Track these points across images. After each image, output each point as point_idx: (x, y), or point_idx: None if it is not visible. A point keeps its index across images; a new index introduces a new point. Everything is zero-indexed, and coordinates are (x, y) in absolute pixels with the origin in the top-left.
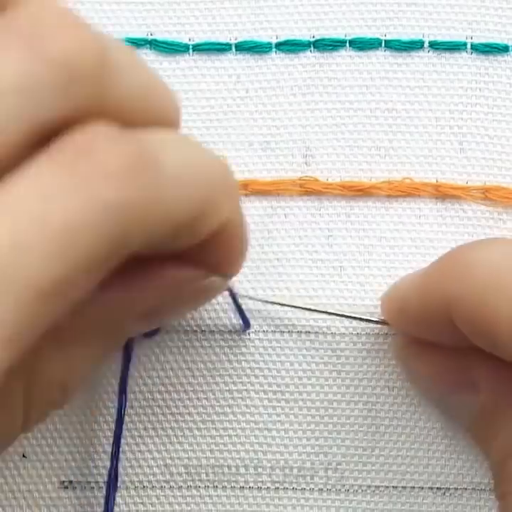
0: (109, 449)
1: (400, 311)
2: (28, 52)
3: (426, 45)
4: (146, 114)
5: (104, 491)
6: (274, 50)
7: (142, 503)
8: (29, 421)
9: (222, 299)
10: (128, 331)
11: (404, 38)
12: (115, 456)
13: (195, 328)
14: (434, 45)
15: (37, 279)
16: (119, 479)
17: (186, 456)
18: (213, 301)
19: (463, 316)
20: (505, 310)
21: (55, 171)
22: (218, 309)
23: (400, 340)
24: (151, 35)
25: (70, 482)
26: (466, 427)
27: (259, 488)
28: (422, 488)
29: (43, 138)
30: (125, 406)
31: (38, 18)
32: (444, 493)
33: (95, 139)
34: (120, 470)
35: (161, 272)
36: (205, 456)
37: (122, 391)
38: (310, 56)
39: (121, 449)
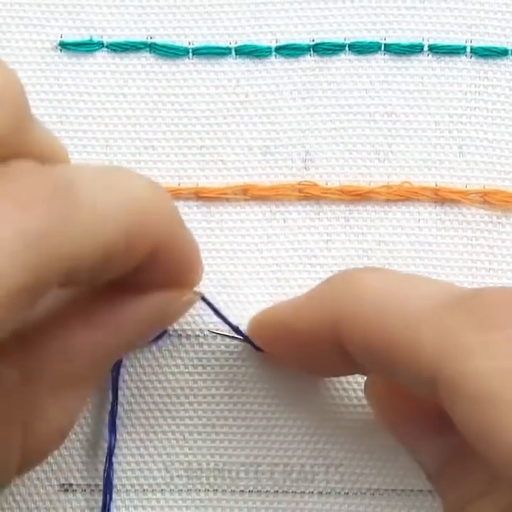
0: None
1: (285, 333)
2: None
3: (425, 48)
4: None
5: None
6: (273, 54)
7: (142, 506)
8: (28, 465)
9: (222, 304)
10: (114, 360)
11: (404, 41)
12: (108, 460)
13: (197, 332)
14: (434, 49)
15: None
16: (120, 482)
17: (186, 459)
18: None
19: (355, 336)
20: (398, 326)
21: None
22: None
23: (371, 381)
24: (151, 38)
25: (70, 485)
26: (433, 470)
27: (259, 492)
28: (422, 491)
29: None
30: (116, 409)
31: None
32: None
33: (15, 170)
34: (120, 473)
35: (139, 302)
36: (205, 459)
37: (114, 397)
38: (310, 60)
39: (121, 453)
